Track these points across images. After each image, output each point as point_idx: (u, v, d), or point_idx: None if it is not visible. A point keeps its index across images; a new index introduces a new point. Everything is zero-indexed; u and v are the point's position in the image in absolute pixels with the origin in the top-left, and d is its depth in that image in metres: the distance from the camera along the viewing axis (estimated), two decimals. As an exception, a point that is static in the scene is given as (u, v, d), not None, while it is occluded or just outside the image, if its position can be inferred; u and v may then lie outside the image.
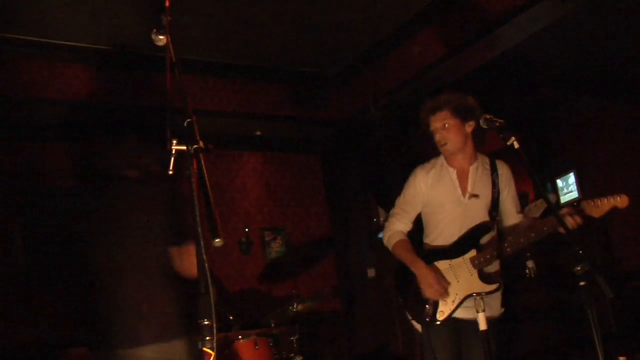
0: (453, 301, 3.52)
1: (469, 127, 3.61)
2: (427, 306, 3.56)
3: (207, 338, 2.07)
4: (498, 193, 3.61)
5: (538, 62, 6.46)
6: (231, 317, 5.02)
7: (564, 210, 3.32)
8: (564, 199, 7.19)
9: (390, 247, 3.78)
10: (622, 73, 6.72)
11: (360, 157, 7.24)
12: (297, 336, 5.17)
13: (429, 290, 3.51)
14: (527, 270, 5.95)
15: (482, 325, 3.19)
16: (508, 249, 3.49)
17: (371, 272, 7.16)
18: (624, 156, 6.96)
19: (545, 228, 3.38)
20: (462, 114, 3.59)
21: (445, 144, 3.63)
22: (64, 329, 5.66)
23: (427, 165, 3.77)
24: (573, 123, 7.58)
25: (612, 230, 6.83)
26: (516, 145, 2.95)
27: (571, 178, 7.11)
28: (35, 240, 5.73)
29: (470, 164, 3.67)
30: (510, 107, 7.44)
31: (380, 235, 7.01)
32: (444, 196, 3.66)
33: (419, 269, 3.55)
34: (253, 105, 6.50)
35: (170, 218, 3.22)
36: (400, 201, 3.82)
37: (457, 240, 3.60)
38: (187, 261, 3.06)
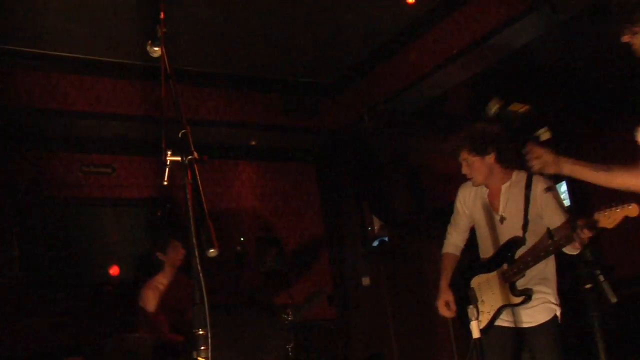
0: (489, 312, 3.74)
1: (489, 159, 3.72)
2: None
3: (202, 348, 2.09)
4: (528, 208, 3.68)
5: (529, 70, 6.49)
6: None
7: (580, 222, 3.32)
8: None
9: (441, 257, 4.08)
10: (610, 83, 6.76)
11: (355, 166, 7.26)
12: (292, 344, 5.18)
13: (441, 311, 3.91)
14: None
15: (475, 334, 3.28)
16: (530, 262, 3.58)
17: (366, 281, 7.17)
18: (615, 164, 6.96)
19: (561, 242, 3.45)
20: (479, 150, 3.72)
21: (471, 178, 3.81)
22: (60, 338, 5.67)
23: (469, 183, 3.91)
24: (564, 132, 7.61)
25: (605, 236, 6.84)
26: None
27: (563, 187, 7.13)
28: (32, 250, 5.74)
29: (503, 183, 3.80)
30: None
31: (375, 243, 7.08)
32: (480, 214, 3.87)
33: (441, 286, 3.92)
34: (247, 115, 6.53)
35: None
36: (453, 215, 4.08)
37: (493, 254, 3.79)
38: None
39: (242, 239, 6.69)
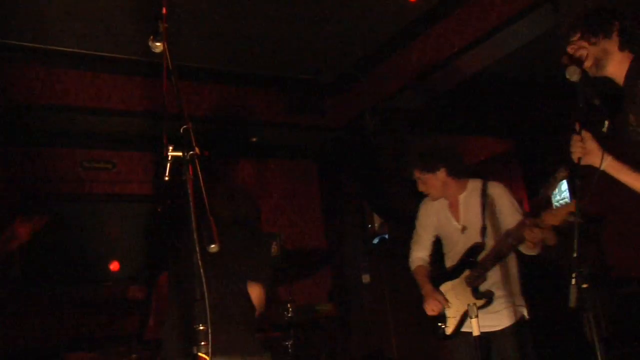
0: (455, 317, 3.87)
1: (441, 174, 3.91)
2: (439, 324, 3.95)
3: (202, 343, 2.10)
4: (485, 214, 3.85)
5: (533, 68, 6.49)
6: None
7: (527, 222, 3.47)
8: (556, 204, 7.23)
9: (412, 274, 4.19)
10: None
11: (356, 164, 7.26)
12: (291, 341, 5.18)
13: (426, 307, 3.95)
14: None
15: (475, 331, 3.33)
16: (489, 264, 3.73)
17: (366, 278, 7.18)
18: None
19: (514, 242, 3.61)
20: (430, 168, 3.91)
21: (428, 194, 4.02)
22: (61, 334, 5.67)
23: (428, 198, 4.09)
24: (565, 128, 7.59)
25: (604, 237, 6.86)
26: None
27: (564, 184, 7.15)
28: (32, 246, 5.73)
29: (460, 194, 3.98)
30: (505, 113, 7.47)
31: (375, 241, 7.08)
32: (444, 225, 4.03)
33: (425, 290, 3.98)
34: (249, 112, 6.52)
35: (247, 256, 3.34)
36: (414, 232, 4.25)
37: (456, 262, 3.92)
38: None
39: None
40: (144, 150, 6.60)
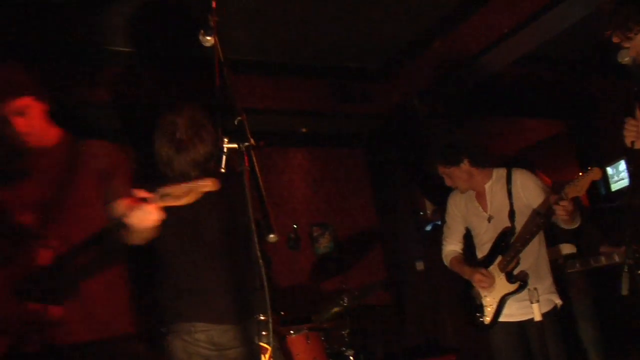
0: (492, 305, 3.90)
1: (465, 166, 3.96)
2: (477, 314, 3.98)
3: (263, 333, 2.11)
4: (512, 200, 3.89)
5: (583, 49, 6.35)
6: (282, 313, 5.06)
7: (552, 198, 3.54)
8: (615, 186, 7.07)
9: (449, 267, 4.22)
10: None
11: (406, 150, 7.21)
12: (348, 330, 5.19)
13: (480, 285, 3.92)
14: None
15: (537, 317, 3.36)
16: (519, 246, 3.75)
17: (420, 265, 7.14)
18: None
19: (538, 219, 3.69)
20: (452, 161, 3.97)
21: (456, 187, 4.08)
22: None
23: (457, 191, 4.15)
24: (618, 110, 7.41)
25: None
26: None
27: (622, 165, 6.98)
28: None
29: (485, 183, 4.01)
30: (558, 95, 7.34)
31: (428, 228, 7.04)
32: (472, 217, 4.07)
33: (467, 273, 4.01)
34: (297, 102, 6.53)
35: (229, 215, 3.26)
36: (445, 226, 4.30)
37: (488, 251, 3.96)
38: None
39: (294, 225, 6.72)
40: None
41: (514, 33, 5.47)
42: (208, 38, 2.60)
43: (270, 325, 2.10)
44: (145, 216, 2.51)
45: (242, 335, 3.15)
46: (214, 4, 2.62)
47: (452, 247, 4.21)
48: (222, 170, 2.20)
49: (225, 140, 2.18)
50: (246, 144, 2.16)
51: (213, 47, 2.49)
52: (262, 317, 2.11)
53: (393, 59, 6.68)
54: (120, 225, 2.59)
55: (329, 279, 6.14)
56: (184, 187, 2.50)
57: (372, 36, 6.12)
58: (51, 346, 2.69)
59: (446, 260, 4.24)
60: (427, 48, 6.38)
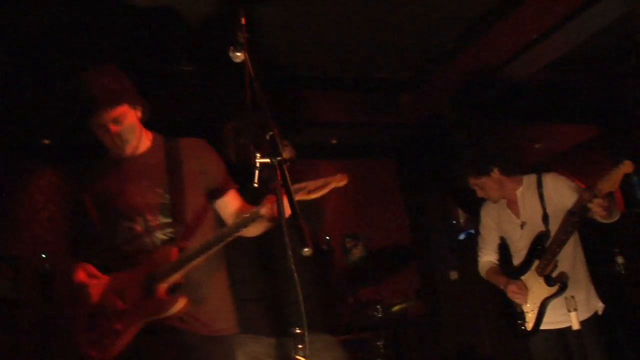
0: (533, 311, 3.84)
1: (495, 175, 3.95)
2: (519, 322, 3.90)
3: (300, 346, 2.12)
4: (544, 204, 3.86)
5: (616, 51, 6.28)
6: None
7: (586, 196, 3.45)
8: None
9: (485, 278, 4.18)
10: None
11: (437, 159, 7.19)
12: (382, 341, 5.17)
13: (514, 297, 3.88)
14: (617, 267, 5.76)
15: (575, 325, 3.28)
16: (556, 248, 3.69)
17: (454, 275, 7.09)
18: None
19: (573, 218, 3.61)
20: (483, 172, 3.95)
21: (488, 197, 4.06)
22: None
23: (489, 202, 4.13)
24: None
25: None
26: None
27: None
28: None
29: (516, 190, 3.98)
30: (591, 100, 7.25)
31: (461, 237, 6.99)
32: (506, 226, 4.05)
33: (503, 284, 3.95)
34: (327, 114, 6.54)
35: None
36: (479, 237, 4.27)
37: (524, 257, 3.91)
38: None
39: (327, 237, 6.73)
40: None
41: (545, 37, 5.41)
42: (238, 54, 2.63)
43: (307, 338, 2.11)
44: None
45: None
46: (243, 21, 2.65)
47: (487, 257, 4.18)
48: (255, 185, 2.22)
49: (258, 155, 2.20)
50: (278, 158, 2.17)
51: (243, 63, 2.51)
52: (298, 330, 2.12)
53: (422, 68, 6.67)
54: (256, 217, 2.62)
55: (363, 290, 6.12)
56: (319, 181, 2.61)
57: (400, 47, 6.12)
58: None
59: (482, 272, 4.21)
60: (455, 56, 6.36)
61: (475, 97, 6.39)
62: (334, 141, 7.04)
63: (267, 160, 2.19)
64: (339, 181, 2.64)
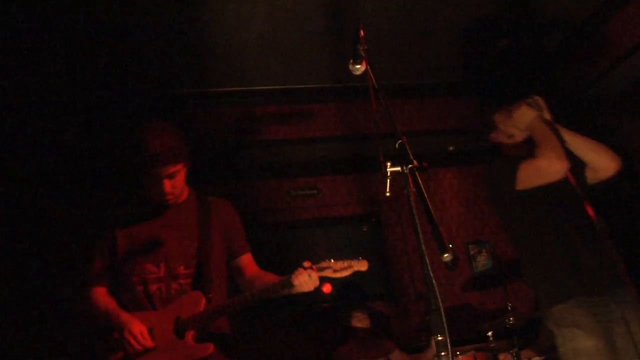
0: None
1: None
2: None
3: (443, 354, 2.10)
4: None
5: None
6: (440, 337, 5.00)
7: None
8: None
9: None
10: None
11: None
12: (515, 349, 5.03)
13: None
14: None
15: None
16: None
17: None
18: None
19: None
20: None
21: None
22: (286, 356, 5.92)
23: None
24: None
25: None
26: None
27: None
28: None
29: None
30: None
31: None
32: None
33: None
34: (443, 122, 6.48)
35: None
36: None
37: None
38: None
39: (450, 245, 6.63)
40: (344, 173, 6.80)
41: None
42: (357, 67, 2.68)
43: (449, 346, 2.09)
44: (309, 282, 2.90)
45: None
46: (362, 33, 2.69)
47: None
48: (387, 194, 2.23)
49: (388, 164, 2.21)
50: (410, 166, 2.18)
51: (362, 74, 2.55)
52: (440, 338, 2.10)
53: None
54: (287, 285, 2.92)
55: (491, 297, 5.99)
56: (345, 263, 2.93)
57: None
58: None
59: None
60: (574, 51, 6.14)
61: (597, 92, 6.14)
62: (451, 148, 6.96)
63: (398, 168, 2.20)
64: (361, 266, 2.95)
